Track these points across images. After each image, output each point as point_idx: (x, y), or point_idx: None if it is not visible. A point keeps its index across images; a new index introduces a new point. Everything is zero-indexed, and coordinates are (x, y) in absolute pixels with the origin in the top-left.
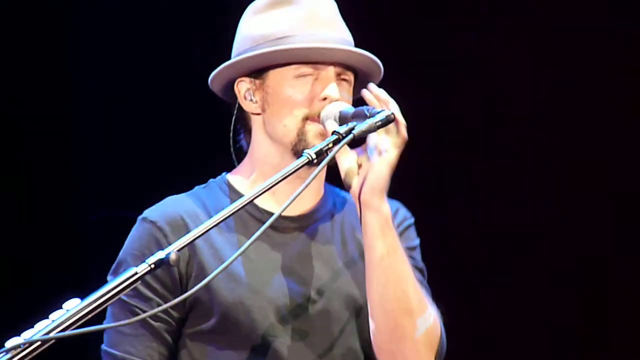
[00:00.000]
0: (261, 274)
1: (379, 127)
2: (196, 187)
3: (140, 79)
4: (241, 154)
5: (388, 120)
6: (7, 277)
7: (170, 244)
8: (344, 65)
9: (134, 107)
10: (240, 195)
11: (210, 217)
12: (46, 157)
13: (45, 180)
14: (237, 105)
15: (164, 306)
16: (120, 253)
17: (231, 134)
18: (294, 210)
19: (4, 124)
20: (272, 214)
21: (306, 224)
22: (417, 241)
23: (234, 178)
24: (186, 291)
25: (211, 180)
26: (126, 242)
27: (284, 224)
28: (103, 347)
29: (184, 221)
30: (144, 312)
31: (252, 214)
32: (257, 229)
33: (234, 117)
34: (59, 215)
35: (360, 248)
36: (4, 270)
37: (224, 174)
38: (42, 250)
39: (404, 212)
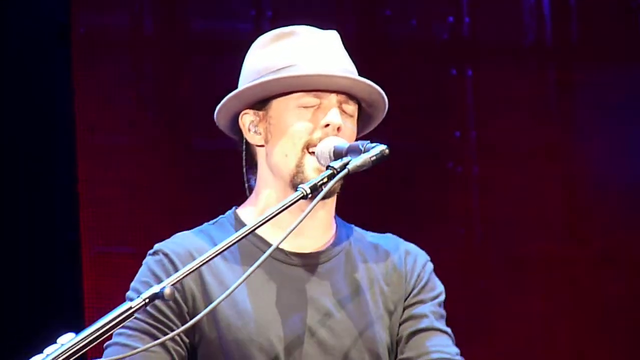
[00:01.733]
0: (270, 311)
1: (374, 163)
2: (205, 224)
3: (136, 124)
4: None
5: (383, 156)
6: (3, 311)
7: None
8: (347, 95)
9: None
10: None
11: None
12: (46, 192)
13: (45, 215)
14: (244, 140)
15: (178, 330)
16: (132, 283)
17: (244, 170)
18: (308, 247)
19: (5, 160)
20: (282, 251)
21: (320, 261)
22: None
23: (243, 212)
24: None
25: (220, 216)
26: (137, 274)
27: (296, 261)
28: None
29: (192, 257)
30: (157, 330)
31: (261, 248)
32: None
33: (243, 153)
34: (57, 248)
35: (372, 285)
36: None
37: (233, 208)
38: (38, 284)
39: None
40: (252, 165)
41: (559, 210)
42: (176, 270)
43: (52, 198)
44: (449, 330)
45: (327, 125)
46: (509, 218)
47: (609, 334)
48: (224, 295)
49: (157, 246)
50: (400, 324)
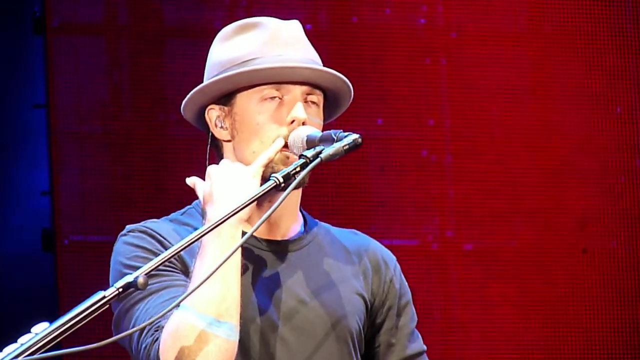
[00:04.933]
0: (245, 296)
1: (346, 151)
2: (173, 214)
3: (112, 112)
4: None
5: (355, 144)
6: None
7: (170, 244)
8: (311, 85)
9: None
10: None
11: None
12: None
13: (20, 204)
14: (210, 133)
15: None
16: (116, 265)
17: (207, 162)
18: (278, 235)
19: None
20: (254, 237)
21: (291, 249)
22: None
23: None
24: None
25: (188, 207)
26: (116, 256)
27: (268, 248)
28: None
29: (166, 242)
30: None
31: None
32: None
33: (208, 146)
34: (32, 237)
35: (341, 276)
36: None
37: (199, 199)
38: (13, 273)
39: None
40: (218, 158)
41: (534, 200)
42: (161, 244)
43: (26, 186)
44: (420, 341)
45: (293, 121)
46: (483, 207)
47: (582, 323)
48: (205, 277)
49: (130, 227)
50: (378, 335)
